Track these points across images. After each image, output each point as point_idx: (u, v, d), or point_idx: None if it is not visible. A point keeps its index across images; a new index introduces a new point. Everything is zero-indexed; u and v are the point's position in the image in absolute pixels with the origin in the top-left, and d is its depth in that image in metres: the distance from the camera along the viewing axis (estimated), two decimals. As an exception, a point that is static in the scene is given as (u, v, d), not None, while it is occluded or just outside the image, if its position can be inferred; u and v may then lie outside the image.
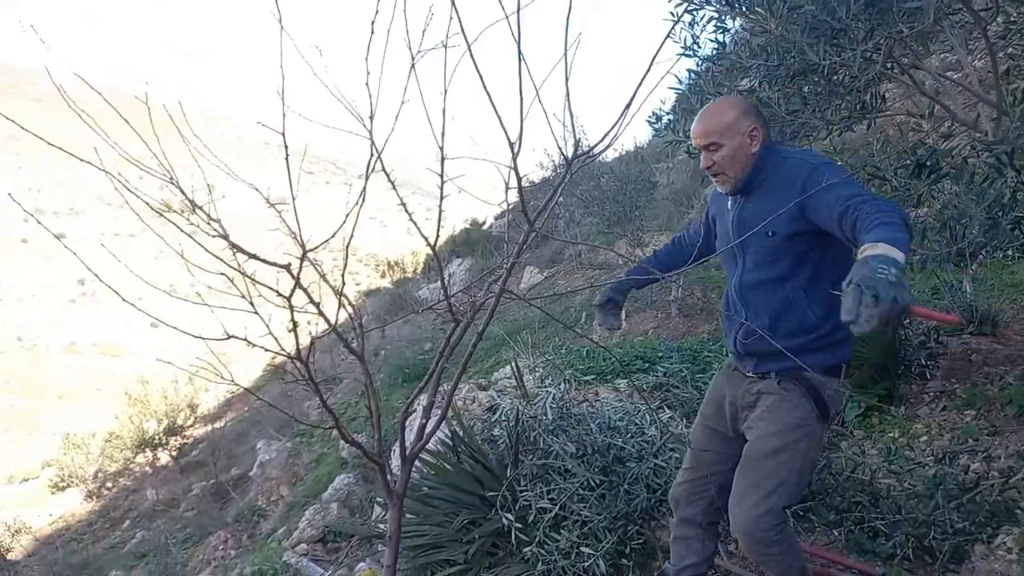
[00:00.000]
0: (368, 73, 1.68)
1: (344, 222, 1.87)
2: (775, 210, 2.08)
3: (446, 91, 1.74)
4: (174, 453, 14.24)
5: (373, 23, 1.70)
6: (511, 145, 1.76)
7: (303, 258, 1.95)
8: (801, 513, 3.20)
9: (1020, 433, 3.36)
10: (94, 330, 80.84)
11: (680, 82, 3.63)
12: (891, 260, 1.59)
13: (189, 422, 15.36)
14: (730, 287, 2.38)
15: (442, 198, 1.90)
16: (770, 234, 2.15)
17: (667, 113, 4.09)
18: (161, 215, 1.98)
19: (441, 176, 1.87)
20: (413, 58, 1.64)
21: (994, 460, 3.24)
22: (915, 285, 5.24)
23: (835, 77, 3.05)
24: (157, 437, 14.40)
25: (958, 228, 2.82)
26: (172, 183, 1.98)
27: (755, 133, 2.21)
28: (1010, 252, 3.71)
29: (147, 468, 14.41)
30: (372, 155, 1.93)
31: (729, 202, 2.36)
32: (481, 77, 1.66)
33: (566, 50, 1.60)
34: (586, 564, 3.02)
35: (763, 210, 2.17)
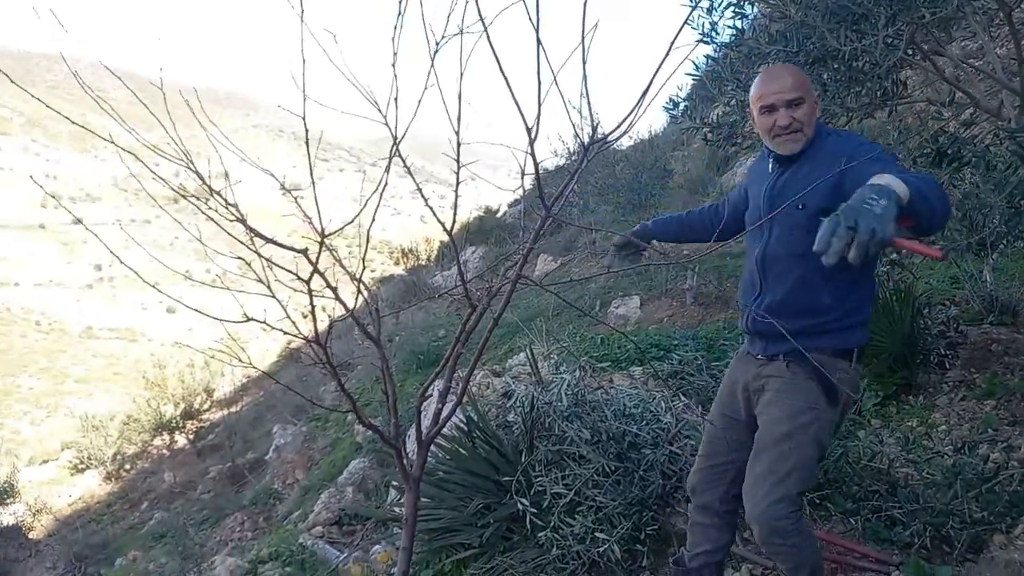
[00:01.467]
0: (395, 54, 1.67)
1: (363, 207, 1.88)
2: (808, 183, 2.05)
3: (462, 75, 1.74)
4: (191, 436, 14.38)
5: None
6: (528, 130, 1.76)
7: (321, 243, 1.96)
8: (818, 501, 3.20)
9: (1040, 423, 3.34)
10: (111, 315, 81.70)
11: (697, 68, 3.61)
12: (887, 191, 1.56)
13: (205, 406, 15.51)
14: (752, 259, 2.33)
15: (458, 183, 1.90)
16: (800, 207, 2.10)
17: (684, 100, 4.06)
18: (181, 199, 1.99)
19: (457, 161, 1.87)
20: (437, 43, 1.63)
21: (1014, 450, 3.22)
22: (935, 275, 5.20)
23: (855, 63, 3.01)
24: (174, 420, 14.55)
25: (979, 217, 2.79)
26: (189, 168, 2.00)
27: (817, 101, 2.25)
28: (1031, 241, 3.67)
29: (164, 451, 14.57)
30: (393, 141, 1.94)
31: (769, 169, 2.32)
32: (498, 61, 1.65)
33: (583, 32, 1.60)
34: (600, 549, 3.04)
35: (800, 181, 2.15)
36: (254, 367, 2.00)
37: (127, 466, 15.29)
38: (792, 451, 2.15)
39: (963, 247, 3.09)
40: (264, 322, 1.70)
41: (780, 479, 2.14)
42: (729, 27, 3.38)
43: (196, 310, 1.68)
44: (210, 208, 1.97)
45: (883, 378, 4.14)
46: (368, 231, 1.98)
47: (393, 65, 1.71)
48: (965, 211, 2.68)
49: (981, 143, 2.72)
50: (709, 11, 3.37)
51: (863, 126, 3.30)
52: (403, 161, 1.91)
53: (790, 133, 2.19)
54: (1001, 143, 2.66)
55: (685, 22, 1.93)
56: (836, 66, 3.05)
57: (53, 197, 1.79)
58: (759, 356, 2.32)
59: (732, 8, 3.33)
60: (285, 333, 1.75)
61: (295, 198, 2.15)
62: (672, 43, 1.71)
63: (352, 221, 1.81)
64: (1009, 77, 2.78)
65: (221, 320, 1.90)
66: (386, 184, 1.82)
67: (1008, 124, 2.55)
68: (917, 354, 4.16)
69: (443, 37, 1.59)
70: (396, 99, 1.73)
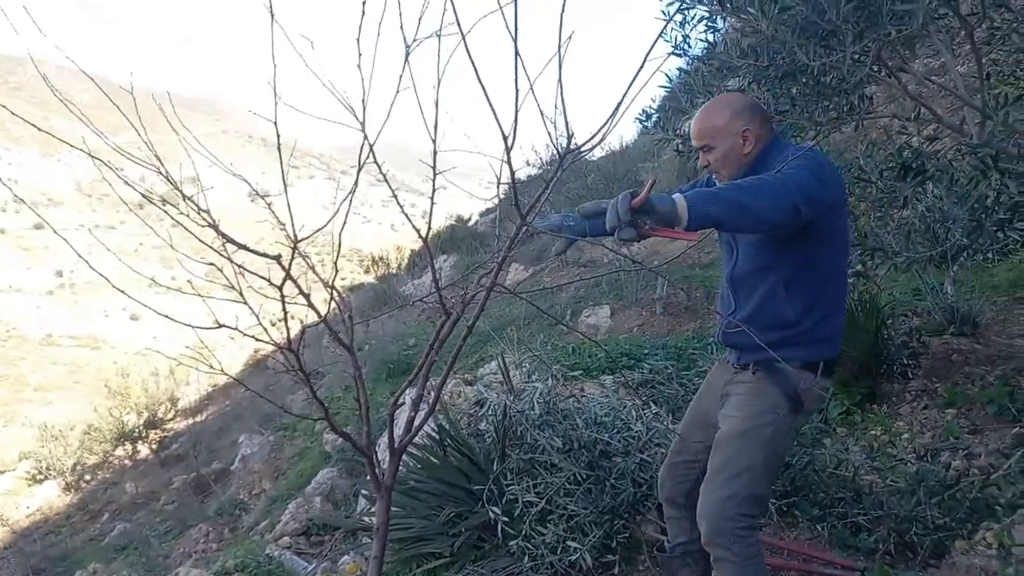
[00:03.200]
0: (360, 55, 1.67)
1: (335, 213, 1.87)
2: None
3: (439, 81, 1.74)
4: (154, 446, 14.08)
5: (364, 3, 1.70)
6: (504, 138, 1.77)
7: (294, 249, 1.95)
8: (785, 509, 3.24)
9: (1000, 431, 3.42)
10: (72, 322, 79.88)
11: (670, 80, 3.65)
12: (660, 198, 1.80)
13: (170, 415, 15.22)
14: (724, 280, 2.43)
15: (434, 190, 1.90)
16: None
17: (656, 111, 4.11)
18: (147, 204, 1.96)
19: (433, 168, 1.87)
20: (407, 46, 1.63)
21: (975, 457, 3.29)
22: (898, 287, 5.30)
23: (824, 79, 3.08)
24: (137, 430, 14.25)
25: (941, 230, 2.86)
26: (160, 172, 1.97)
27: (747, 134, 2.24)
28: (990, 255, 3.77)
29: (127, 461, 14.25)
30: (363, 147, 1.93)
31: None
32: (475, 67, 1.66)
33: (560, 39, 1.61)
34: (572, 558, 3.04)
35: None
36: (225, 373, 1.97)
37: (87, 477, 14.92)
38: (745, 449, 2.20)
39: (925, 259, 3.17)
40: (236, 328, 1.68)
41: (730, 476, 2.18)
42: (701, 40, 3.44)
43: (166, 316, 1.65)
44: (179, 213, 1.94)
45: (848, 387, 4.21)
46: (339, 236, 1.97)
47: (359, 66, 1.71)
48: (928, 224, 2.75)
49: (944, 157, 2.78)
50: (682, 24, 3.41)
51: (830, 140, 3.37)
52: (379, 167, 1.91)
53: (712, 174, 2.34)
54: (963, 158, 2.74)
55: (660, 35, 1.95)
56: (805, 80, 3.11)
57: (22, 200, 1.75)
58: (733, 365, 2.39)
59: (704, 22, 3.38)
60: (257, 340, 1.73)
61: (268, 204, 2.13)
62: (647, 56, 1.73)
63: (324, 227, 1.80)
64: (971, 94, 2.85)
65: (192, 326, 1.88)
66: (355, 189, 1.81)
67: (970, 139, 2.62)
68: (881, 364, 4.25)
69: (415, 39, 1.59)
70: (364, 101, 1.72)
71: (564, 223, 2.44)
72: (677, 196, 1.81)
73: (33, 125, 1.97)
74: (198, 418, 15.58)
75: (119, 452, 14.48)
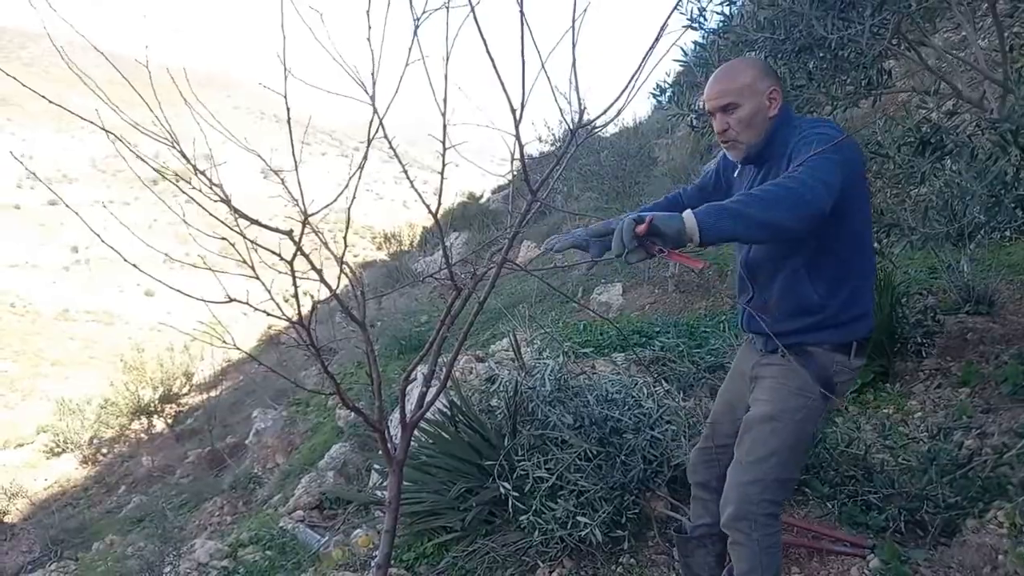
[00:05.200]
0: (370, 28, 1.65)
1: (346, 187, 1.86)
2: None
3: (448, 56, 1.72)
4: (169, 420, 14.27)
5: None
6: (513, 111, 1.75)
7: (304, 224, 1.95)
8: (795, 486, 3.24)
9: (1014, 411, 3.39)
10: (87, 298, 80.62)
11: (685, 55, 3.60)
12: (673, 217, 1.72)
13: (184, 390, 15.39)
14: (738, 263, 2.33)
15: (444, 165, 1.89)
16: None
17: (670, 86, 4.06)
18: (162, 180, 1.97)
19: (443, 143, 1.86)
20: (416, 19, 1.61)
21: (988, 437, 3.28)
22: (913, 264, 5.25)
23: (841, 52, 3.02)
24: (152, 404, 14.43)
25: (959, 206, 2.82)
26: (174, 147, 1.97)
27: (774, 95, 2.13)
28: (1008, 233, 3.72)
29: (142, 435, 14.44)
30: (373, 121, 1.92)
31: (746, 173, 2.30)
32: (484, 41, 1.64)
33: (574, 11, 1.59)
34: (582, 533, 3.06)
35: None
36: (239, 348, 1.98)
37: (104, 450, 15.15)
38: (774, 433, 2.14)
39: (942, 236, 3.12)
40: (247, 303, 1.69)
41: (757, 460, 2.14)
42: (717, 13, 3.38)
43: (179, 291, 1.66)
44: (192, 189, 1.95)
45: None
46: (349, 212, 1.96)
47: (368, 39, 1.69)
48: (946, 200, 2.71)
49: (963, 133, 2.74)
50: (698, -4, 3.36)
51: (848, 115, 3.32)
52: (389, 143, 1.89)
53: (727, 142, 2.18)
54: (983, 133, 2.69)
55: (675, 8, 1.92)
56: (822, 55, 3.06)
57: (35, 176, 1.75)
58: (760, 349, 2.31)
59: (720, -6, 3.33)
60: (268, 315, 1.73)
61: (282, 180, 2.12)
62: (662, 28, 1.71)
63: (334, 202, 1.79)
64: (992, 68, 2.80)
65: (205, 301, 1.88)
66: (364, 163, 1.81)
67: (990, 114, 2.58)
68: (895, 343, 4.22)
69: (424, 12, 1.57)
70: (374, 75, 1.71)
71: (581, 240, 2.42)
72: (686, 214, 1.72)
73: (47, 99, 1.97)
74: (212, 393, 15.75)
75: (135, 426, 14.67)
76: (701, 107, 3.66)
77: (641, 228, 1.69)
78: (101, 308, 78.83)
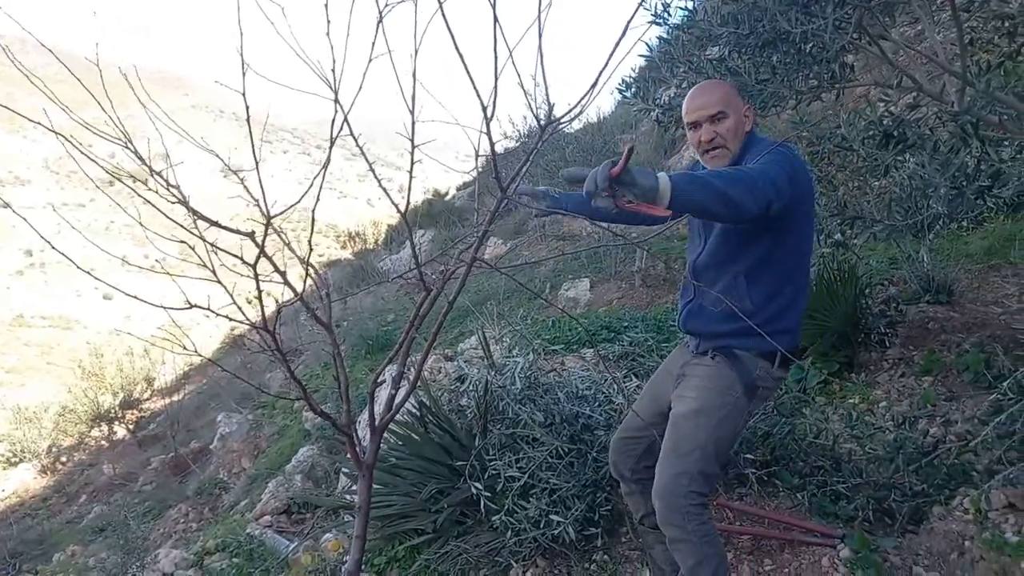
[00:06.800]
0: (329, 22, 1.61)
1: (309, 187, 1.81)
2: None
3: (416, 52, 1.68)
4: (131, 427, 13.93)
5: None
6: (483, 108, 1.72)
7: (267, 225, 1.89)
8: (766, 478, 3.26)
9: (976, 398, 3.46)
10: (43, 302, 78.48)
11: (650, 50, 3.59)
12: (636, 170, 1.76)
13: (146, 395, 15.06)
14: (687, 266, 2.46)
15: (412, 163, 1.85)
16: None
17: (635, 81, 4.05)
18: (117, 181, 1.89)
19: (412, 140, 1.81)
20: (380, 12, 1.57)
21: (952, 424, 3.34)
22: (875, 255, 5.34)
23: (805, 46, 3.04)
24: (113, 411, 14.09)
25: (920, 199, 2.86)
26: (128, 147, 1.90)
27: (748, 114, 2.31)
28: (965, 223, 3.79)
29: (103, 442, 14.09)
30: (337, 118, 1.86)
31: None
32: (454, 39, 1.60)
33: (540, 6, 1.56)
34: (555, 532, 3.04)
35: None
36: (199, 354, 1.91)
37: (63, 459, 14.75)
38: (698, 429, 2.24)
39: (903, 228, 3.16)
40: (208, 308, 1.62)
41: (683, 454, 2.23)
42: (681, 9, 3.38)
43: (135, 297, 1.59)
44: (149, 190, 1.87)
45: (827, 357, 4.24)
46: (313, 212, 1.91)
47: (327, 34, 1.64)
48: (908, 192, 2.74)
49: (925, 125, 2.77)
50: (662, -8, 3.35)
51: (811, 109, 3.34)
52: (355, 140, 1.84)
53: (714, 149, 2.29)
54: (944, 125, 2.72)
55: (640, 4, 1.90)
56: (786, 49, 3.07)
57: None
58: (692, 351, 2.43)
59: (684, -11, 3.32)
60: (230, 320, 1.67)
61: (242, 180, 2.06)
62: (628, 23, 1.69)
63: (297, 203, 1.74)
64: (950, 61, 2.84)
65: (163, 307, 1.82)
66: (328, 163, 1.75)
67: (951, 107, 2.61)
68: (859, 333, 4.28)
69: (387, 4, 1.53)
70: (334, 71, 1.66)
71: (545, 192, 2.50)
72: (662, 175, 1.78)
73: (9, 108, 1.88)
74: (175, 397, 15.42)
75: (95, 433, 14.32)
76: (666, 101, 3.66)
77: (615, 170, 1.71)
78: (58, 313, 76.82)
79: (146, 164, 1.90)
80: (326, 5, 1.58)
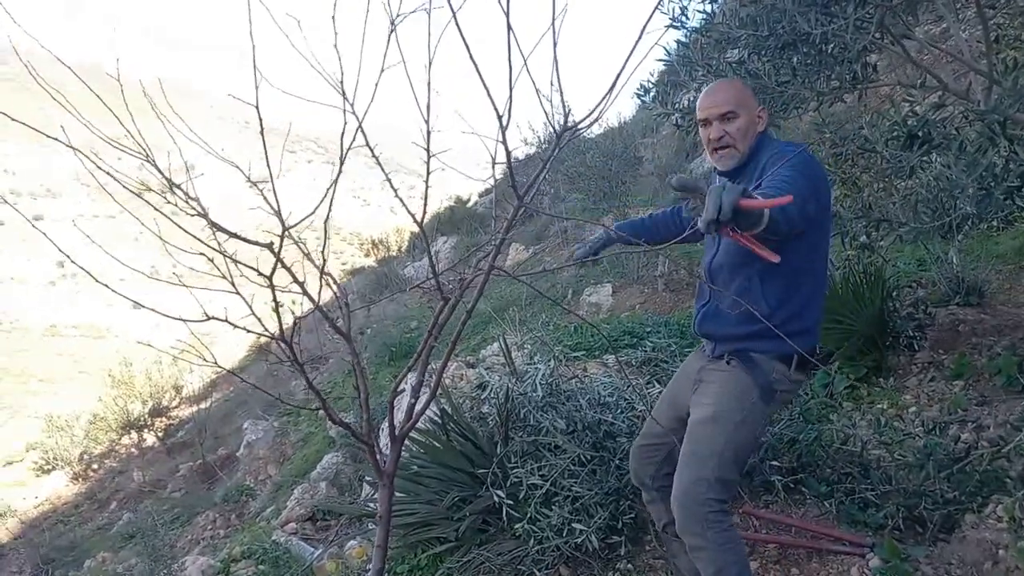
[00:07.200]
0: (336, 34, 1.61)
1: (324, 198, 1.81)
2: None
3: (431, 62, 1.68)
4: (160, 434, 14.14)
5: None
6: (499, 117, 1.71)
7: (283, 236, 1.90)
8: (792, 485, 3.21)
9: (1009, 403, 3.38)
10: (75, 312, 79.86)
11: (668, 54, 3.57)
12: (734, 188, 1.68)
13: (174, 403, 15.28)
14: (702, 268, 2.45)
15: (428, 173, 1.85)
16: None
17: (654, 86, 4.03)
18: (145, 192, 1.91)
19: (427, 151, 1.81)
20: (393, 21, 1.57)
21: (984, 430, 3.26)
22: (902, 257, 5.25)
23: (825, 47, 3.00)
24: (142, 418, 14.31)
25: (948, 200, 2.80)
26: (148, 161, 1.92)
27: (762, 115, 2.30)
28: (995, 223, 3.71)
29: (133, 450, 14.31)
30: (350, 127, 1.87)
31: (717, 182, 2.37)
32: (467, 46, 1.60)
33: (553, 12, 1.55)
34: (578, 540, 3.02)
35: None
36: (219, 366, 1.92)
37: (94, 466, 15.01)
38: (716, 434, 2.21)
39: (931, 229, 3.10)
40: (226, 320, 1.63)
41: (701, 460, 2.20)
42: (699, 12, 3.35)
43: (154, 310, 1.60)
44: (168, 204, 1.89)
45: (854, 361, 4.17)
46: (326, 224, 1.92)
47: (335, 46, 1.65)
48: (935, 193, 2.69)
49: (951, 125, 2.72)
50: (679, -5, 3.33)
51: (833, 110, 3.30)
52: (371, 150, 1.85)
53: (723, 148, 2.28)
54: (970, 125, 2.67)
55: (656, 7, 1.89)
56: (806, 50, 3.03)
57: (14, 204, 1.69)
58: (708, 355, 2.41)
59: (702, -8, 3.30)
60: (248, 332, 1.68)
61: (261, 191, 2.08)
62: (644, 27, 1.67)
63: (313, 213, 1.74)
64: (977, 59, 2.78)
65: (183, 320, 1.83)
66: (340, 175, 1.76)
67: (977, 106, 2.55)
68: (887, 336, 4.20)
69: (398, 15, 1.53)
70: (342, 81, 1.66)
71: (605, 241, 2.62)
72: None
73: (13, 118, 1.91)
74: (203, 405, 15.62)
75: (125, 441, 14.55)
76: (686, 106, 3.63)
77: (749, 203, 1.62)
78: (89, 322, 78.12)
79: (166, 178, 1.92)
80: (333, 17, 1.59)
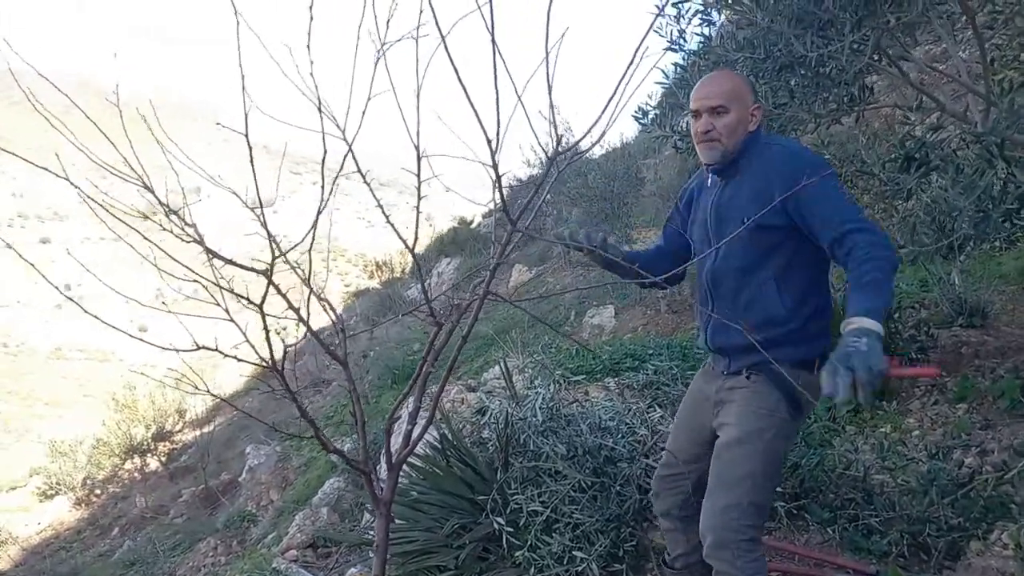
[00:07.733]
0: (312, 63, 1.62)
1: (315, 222, 1.81)
2: (752, 197, 2.10)
3: (419, 88, 1.68)
4: (163, 459, 14.09)
5: (311, 7, 1.65)
6: (489, 143, 1.71)
7: (273, 262, 1.89)
8: (795, 512, 3.17)
9: (1013, 426, 3.33)
10: (81, 335, 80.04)
11: (666, 77, 3.58)
12: (865, 331, 1.70)
13: (178, 427, 15.22)
14: (701, 276, 2.31)
15: (419, 199, 1.84)
16: (744, 220, 2.01)
17: (653, 108, 4.04)
18: (147, 216, 1.91)
19: (418, 176, 1.81)
20: (379, 50, 1.58)
21: (988, 454, 3.21)
22: (904, 278, 5.22)
23: (822, 69, 3.00)
24: (145, 443, 14.26)
25: (947, 221, 2.78)
26: (146, 187, 1.92)
27: (756, 112, 2.20)
28: (997, 243, 3.69)
29: (136, 474, 14.25)
30: (340, 152, 1.88)
31: (709, 184, 2.33)
32: (457, 72, 1.60)
33: (547, 42, 1.55)
34: (579, 568, 2.97)
35: (741, 196, 2.17)
36: (212, 394, 1.91)
37: (97, 491, 14.94)
38: (746, 457, 2.10)
39: (931, 251, 3.08)
40: (216, 349, 1.62)
41: (732, 485, 2.10)
42: (697, 35, 3.36)
43: (141, 339, 1.60)
44: (166, 229, 1.89)
45: (857, 383, 4.13)
46: (310, 253, 1.92)
47: (311, 74, 1.66)
48: (934, 215, 2.67)
49: (948, 147, 2.71)
50: (677, 19, 3.35)
51: (830, 132, 3.29)
52: (362, 175, 1.85)
53: (707, 141, 2.19)
54: (968, 146, 2.66)
55: (650, 29, 1.89)
56: (803, 72, 3.03)
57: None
58: (723, 371, 2.28)
59: (699, 15, 3.31)
60: (239, 360, 1.67)
61: (258, 216, 2.07)
62: (637, 49, 1.68)
63: (304, 239, 1.74)
64: (974, 80, 2.78)
65: (176, 349, 1.82)
66: (325, 203, 1.77)
67: (975, 127, 2.55)
68: (889, 358, 4.15)
69: (384, 42, 1.53)
70: (322, 108, 1.67)
71: (616, 247, 2.40)
72: (871, 324, 1.73)
73: (13, 153, 1.91)
74: (206, 429, 15.55)
75: (128, 465, 14.49)
76: (685, 128, 3.63)
77: (898, 372, 1.76)
78: (95, 346, 78.25)
79: (163, 204, 1.92)
80: (308, 46, 1.59)
